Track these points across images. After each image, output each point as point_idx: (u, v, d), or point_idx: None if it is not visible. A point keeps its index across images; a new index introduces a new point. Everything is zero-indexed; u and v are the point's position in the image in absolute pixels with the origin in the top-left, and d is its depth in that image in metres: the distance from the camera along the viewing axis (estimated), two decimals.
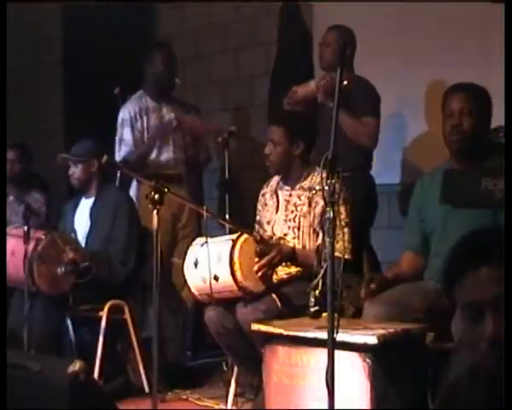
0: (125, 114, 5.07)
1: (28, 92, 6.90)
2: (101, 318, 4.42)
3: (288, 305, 3.72)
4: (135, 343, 4.51)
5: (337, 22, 4.72)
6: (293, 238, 3.89)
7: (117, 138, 5.08)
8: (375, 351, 2.97)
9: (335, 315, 2.56)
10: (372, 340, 2.97)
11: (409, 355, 3.08)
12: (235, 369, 3.98)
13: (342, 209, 3.69)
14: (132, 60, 5.32)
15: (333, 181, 2.59)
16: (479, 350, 1.50)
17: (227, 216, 4.50)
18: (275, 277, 3.82)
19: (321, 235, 3.74)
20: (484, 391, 1.52)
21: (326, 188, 2.60)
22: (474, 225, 1.69)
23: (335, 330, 2.56)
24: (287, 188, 3.99)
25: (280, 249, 3.76)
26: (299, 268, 3.84)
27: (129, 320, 4.50)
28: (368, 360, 2.97)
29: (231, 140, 4.80)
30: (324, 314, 2.84)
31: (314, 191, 3.85)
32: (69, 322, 4.62)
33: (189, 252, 3.86)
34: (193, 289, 3.84)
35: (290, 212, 3.93)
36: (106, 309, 4.42)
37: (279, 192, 4.02)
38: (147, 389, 4.38)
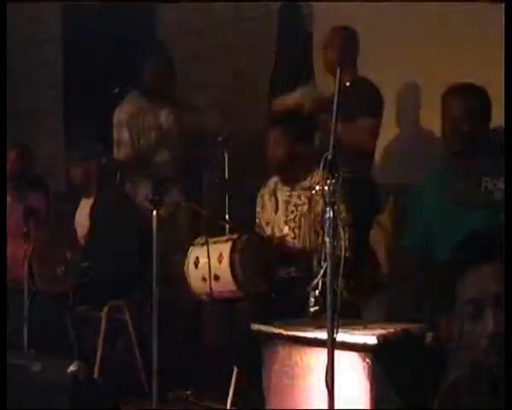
0: (121, 114, 5.06)
1: (28, 92, 6.90)
2: (101, 318, 4.43)
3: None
4: (135, 343, 4.51)
5: (337, 22, 4.72)
6: (293, 238, 3.90)
7: (115, 139, 5.07)
8: (375, 351, 2.97)
9: (335, 315, 2.56)
10: (372, 340, 2.97)
11: (409, 355, 3.08)
12: (235, 369, 3.98)
13: (342, 209, 3.69)
14: (132, 60, 5.31)
15: (333, 181, 2.60)
16: (479, 347, 1.51)
17: (227, 216, 4.50)
18: (275, 277, 3.82)
19: (321, 235, 3.74)
20: (484, 390, 1.52)
21: (326, 188, 2.61)
22: (474, 225, 1.70)
23: (335, 330, 2.56)
24: (286, 188, 3.99)
25: (280, 249, 3.77)
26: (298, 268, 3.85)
27: (129, 320, 4.50)
28: (368, 360, 2.97)
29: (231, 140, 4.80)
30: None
31: (314, 191, 3.85)
32: (69, 322, 4.62)
33: (189, 252, 3.86)
34: (193, 289, 3.84)
35: (290, 212, 3.93)
36: (106, 309, 4.43)
37: (278, 193, 4.02)
38: (147, 389, 4.38)
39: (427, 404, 2.94)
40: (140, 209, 4.71)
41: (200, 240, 3.87)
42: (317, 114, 4.31)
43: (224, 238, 3.82)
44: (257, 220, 4.10)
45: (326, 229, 2.63)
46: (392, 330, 3.09)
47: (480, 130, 3.37)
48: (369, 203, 4.58)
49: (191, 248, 3.88)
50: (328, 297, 2.59)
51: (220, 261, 3.69)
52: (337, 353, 2.60)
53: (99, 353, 4.36)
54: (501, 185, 3.16)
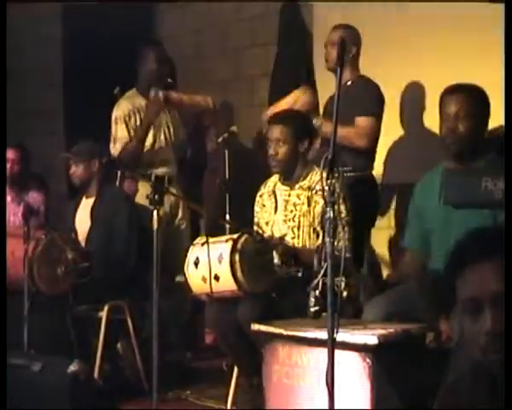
0: (118, 111, 5.05)
1: (28, 92, 6.90)
2: (101, 318, 4.43)
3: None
4: (135, 343, 4.51)
5: (337, 22, 4.72)
6: (293, 238, 3.89)
7: (111, 136, 5.05)
8: (375, 351, 2.97)
9: (335, 315, 2.56)
10: (372, 340, 2.97)
11: (409, 355, 3.08)
12: (235, 369, 3.98)
13: (342, 208, 3.69)
14: (132, 60, 5.31)
15: (333, 181, 2.60)
16: (478, 345, 1.51)
17: (227, 216, 4.50)
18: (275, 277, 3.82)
19: (321, 234, 3.74)
20: (484, 390, 1.53)
21: (326, 188, 2.61)
22: (474, 225, 1.70)
23: (335, 330, 2.56)
24: (285, 188, 3.99)
25: (281, 248, 3.77)
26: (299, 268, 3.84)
27: (129, 320, 4.50)
28: (368, 360, 2.97)
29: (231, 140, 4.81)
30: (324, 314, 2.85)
31: (314, 191, 3.85)
32: (69, 322, 4.62)
33: (189, 251, 3.86)
34: (193, 289, 3.84)
35: (289, 212, 3.93)
36: (106, 309, 4.43)
37: (277, 192, 4.02)
38: (147, 389, 4.38)
39: (427, 404, 2.94)
40: (140, 209, 4.71)
41: (200, 240, 3.87)
42: (308, 117, 4.31)
43: (224, 238, 3.82)
44: (256, 220, 4.09)
45: (326, 229, 2.64)
46: (392, 330, 3.09)
47: (479, 130, 3.37)
48: (369, 203, 4.58)
49: (191, 248, 3.88)
50: (329, 297, 2.59)
51: (220, 261, 3.69)
52: (337, 353, 2.60)
53: (99, 353, 4.36)
54: (501, 185, 3.16)
